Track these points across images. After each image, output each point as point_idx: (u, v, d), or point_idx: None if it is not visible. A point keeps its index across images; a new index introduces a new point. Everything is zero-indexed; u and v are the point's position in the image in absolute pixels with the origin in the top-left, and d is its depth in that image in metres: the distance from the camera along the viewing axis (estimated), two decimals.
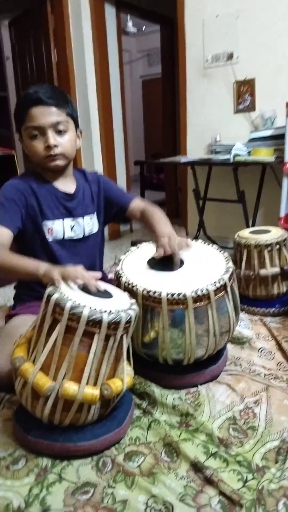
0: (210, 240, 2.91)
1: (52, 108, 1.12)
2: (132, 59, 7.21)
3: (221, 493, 0.78)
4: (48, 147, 1.12)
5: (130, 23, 5.40)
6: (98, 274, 0.95)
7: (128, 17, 5.24)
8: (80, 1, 3.09)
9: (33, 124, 1.11)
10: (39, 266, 0.94)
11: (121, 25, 3.56)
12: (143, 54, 7.13)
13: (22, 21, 3.37)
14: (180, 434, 0.92)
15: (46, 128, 1.12)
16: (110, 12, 3.27)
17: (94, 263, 1.33)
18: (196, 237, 2.88)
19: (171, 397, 1.01)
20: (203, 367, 1.08)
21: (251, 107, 2.76)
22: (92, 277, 0.92)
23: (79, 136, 1.24)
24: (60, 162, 1.17)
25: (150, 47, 6.70)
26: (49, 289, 0.85)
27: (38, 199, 1.17)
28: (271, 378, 1.09)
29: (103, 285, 0.97)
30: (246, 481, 0.81)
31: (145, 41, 6.78)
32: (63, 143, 1.15)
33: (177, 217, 3.82)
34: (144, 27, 6.15)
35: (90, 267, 1.30)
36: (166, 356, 1.02)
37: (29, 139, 1.14)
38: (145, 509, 0.75)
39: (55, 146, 1.13)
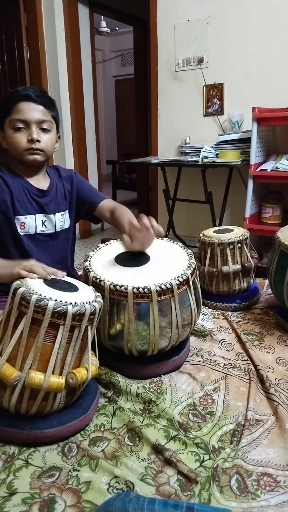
0: (179, 239, 2.98)
1: (39, 107, 1.17)
2: (105, 59, 7.22)
3: (179, 472, 0.83)
4: (31, 141, 1.16)
5: (103, 23, 5.41)
6: (63, 273, 1.00)
7: (102, 17, 5.25)
8: (53, 0, 3.10)
9: (19, 117, 1.15)
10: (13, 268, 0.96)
11: (94, 25, 3.58)
12: (116, 54, 7.15)
13: None
14: (143, 420, 0.97)
15: (31, 123, 1.16)
16: (83, 11, 3.29)
17: (65, 258, 1.37)
18: (166, 236, 2.95)
19: (135, 386, 1.05)
20: (166, 358, 1.14)
21: (220, 111, 2.85)
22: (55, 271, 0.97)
23: (57, 140, 1.28)
24: (39, 158, 1.20)
25: (123, 47, 6.72)
26: (15, 283, 0.88)
27: (12, 195, 1.20)
28: (230, 368, 1.16)
29: (70, 280, 1.00)
30: (203, 461, 0.87)
31: (119, 41, 6.81)
32: (45, 140, 1.19)
33: None
34: (117, 27, 6.17)
35: (61, 261, 1.33)
36: (131, 347, 1.07)
37: (12, 130, 1.17)
38: (108, 489, 0.79)
39: (38, 141, 1.17)
